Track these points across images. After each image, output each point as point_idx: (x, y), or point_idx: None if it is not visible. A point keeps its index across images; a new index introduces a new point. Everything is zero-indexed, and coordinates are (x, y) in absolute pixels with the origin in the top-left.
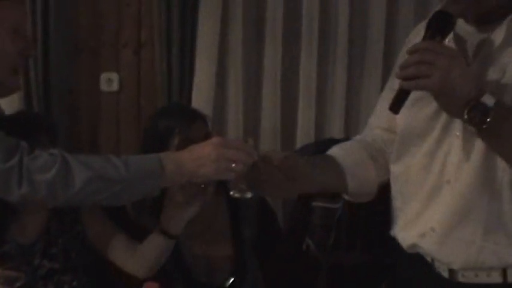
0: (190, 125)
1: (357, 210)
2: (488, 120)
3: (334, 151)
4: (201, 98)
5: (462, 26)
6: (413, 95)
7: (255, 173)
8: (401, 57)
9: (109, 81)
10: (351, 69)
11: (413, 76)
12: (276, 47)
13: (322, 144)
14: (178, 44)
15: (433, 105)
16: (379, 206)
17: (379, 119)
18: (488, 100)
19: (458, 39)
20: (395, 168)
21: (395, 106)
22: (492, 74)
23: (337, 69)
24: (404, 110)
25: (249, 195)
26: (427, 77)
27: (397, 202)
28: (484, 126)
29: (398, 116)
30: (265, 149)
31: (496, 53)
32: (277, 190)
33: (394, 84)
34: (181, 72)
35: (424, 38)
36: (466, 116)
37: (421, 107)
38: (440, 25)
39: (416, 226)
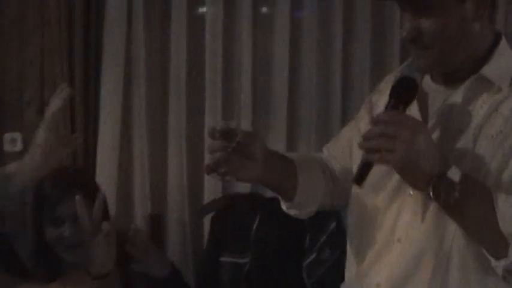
0: (61, 202)
1: (264, 265)
2: (454, 196)
3: (291, 154)
4: (105, 157)
5: (427, 82)
6: None
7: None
8: (364, 113)
9: (12, 141)
10: (255, 125)
11: (376, 149)
12: (180, 103)
13: (230, 199)
14: (81, 102)
15: None
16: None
17: (336, 153)
18: (454, 174)
19: (422, 94)
20: (350, 219)
21: (360, 178)
22: (450, 137)
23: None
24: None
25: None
26: (390, 152)
27: (350, 251)
28: (449, 203)
29: (354, 167)
30: (173, 206)
31: (454, 114)
32: (241, 170)
33: (359, 114)
34: (85, 131)
35: (387, 107)
36: (431, 193)
37: None
38: (403, 93)
39: (364, 279)
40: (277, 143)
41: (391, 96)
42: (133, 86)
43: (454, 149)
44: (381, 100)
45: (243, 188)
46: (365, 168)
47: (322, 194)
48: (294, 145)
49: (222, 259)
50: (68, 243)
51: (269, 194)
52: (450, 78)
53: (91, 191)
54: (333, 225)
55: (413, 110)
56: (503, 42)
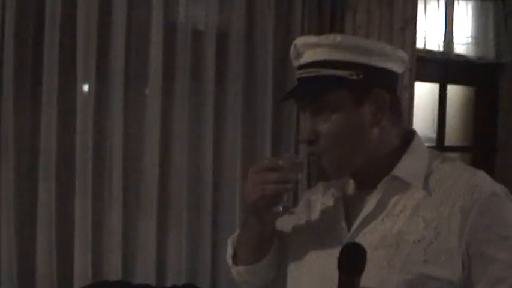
0: None
1: None
2: None
3: None
4: None
5: (351, 187)
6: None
7: None
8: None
9: None
10: (125, 208)
11: None
12: (49, 184)
13: (98, 286)
14: None
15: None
16: None
17: None
18: None
19: (346, 198)
20: None
21: None
22: (372, 244)
23: (113, 209)
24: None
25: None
26: None
27: None
28: None
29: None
30: None
31: (368, 218)
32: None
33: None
34: None
35: (341, 284)
36: None
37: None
38: (353, 264)
39: None
40: (148, 222)
41: (341, 270)
42: (1, 167)
43: (378, 256)
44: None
45: (113, 275)
46: None
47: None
48: (165, 222)
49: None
50: None
51: (138, 281)
52: (364, 182)
53: None
54: None
55: (340, 218)
56: (417, 141)
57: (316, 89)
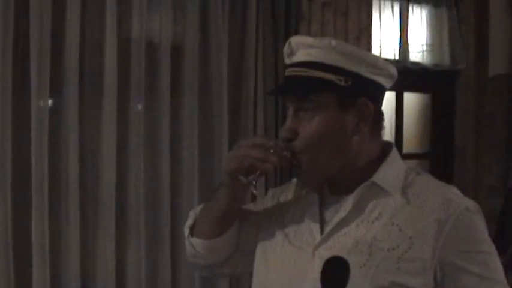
0: None
1: None
2: None
3: None
4: None
5: (326, 191)
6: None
7: None
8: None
9: None
10: (83, 222)
11: None
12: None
13: None
14: None
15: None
16: None
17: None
18: None
19: (321, 201)
20: None
21: None
22: (346, 249)
23: (70, 224)
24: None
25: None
26: None
27: None
28: None
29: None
30: None
31: (343, 223)
32: None
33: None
34: None
35: None
36: None
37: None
38: (335, 278)
39: None
40: (106, 235)
41: (324, 285)
42: None
43: (350, 261)
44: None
45: (72, 283)
46: None
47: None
48: (123, 236)
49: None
50: None
51: None
52: (340, 188)
53: None
54: None
55: (313, 220)
56: (394, 153)
57: (304, 88)
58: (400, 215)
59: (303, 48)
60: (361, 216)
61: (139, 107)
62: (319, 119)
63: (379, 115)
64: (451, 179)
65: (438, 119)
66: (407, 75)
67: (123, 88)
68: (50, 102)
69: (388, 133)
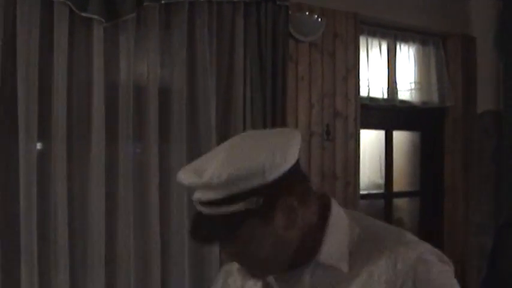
0: None
1: None
2: None
3: None
4: None
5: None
6: None
7: None
8: (218, 278)
9: None
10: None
11: None
12: None
13: None
14: None
15: None
16: None
17: None
18: None
19: (272, 282)
20: None
21: None
22: None
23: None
24: None
25: None
26: None
27: None
28: None
29: None
30: None
31: None
32: None
33: None
34: None
35: None
36: None
37: None
38: None
39: None
40: (95, 283)
41: None
42: None
43: None
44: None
45: None
46: None
47: None
48: (112, 284)
49: None
50: None
51: None
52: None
53: None
54: None
55: None
56: (334, 213)
57: (225, 232)
58: (353, 286)
59: (198, 188)
60: None
61: (128, 150)
62: (254, 244)
63: (304, 190)
64: (441, 216)
65: (427, 156)
66: (396, 113)
67: (111, 132)
68: (38, 145)
69: (377, 171)
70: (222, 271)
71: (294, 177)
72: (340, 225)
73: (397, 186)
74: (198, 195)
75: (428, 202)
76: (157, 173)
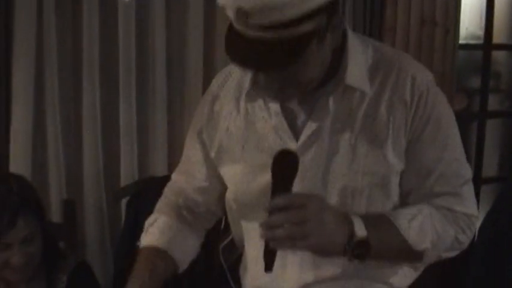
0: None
1: None
2: (368, 252)
3: (158, 241)
4: (19, 143)
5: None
6: (251, 162)
7: None
8: (203, 104)
9: None
10: (170, 107)
11: (285, 238)
12: (94, 88)
13: (145, 183)
14: None
15: (267, 176)
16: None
17: (191, 179)
18: (359, 227)
19: (286, 106)
20: (236, 229)
21: (270, 266)
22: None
23: (157, 109)
24: (236, 177)
25: None
26: (303, 238)
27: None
28: (365, 257)
29: (229, 181)
30: (89, 191)
31: (319, 127)
32: None
33: (196, 127)
34: None
35: (276, 191)
36: (348, 258)
37: (254, 176)
38: (287, 170)
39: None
40: None
41: (275, 176)
42: (45, 74)
43: (336, 163)
44: (224, 109)
45: (159, 171)
46: (271, 256)
47: (196, 245)
48: None
49: (139, 243)
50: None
51: None
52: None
53: (35, 205)
54: None
55: (283, 131)
56: (351, 37)
57: (288, 56)
58: (373, 106)
59: (262, 9)
60: (337, 117)
61: None
62: (311, 66)
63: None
64: None
65: None
66: None
67: None
68: None
69: (477, 22)
70: (207, 96)
71: None
72: (356, 45)
73: (497, 38)
74: (257, 19)
75: None
76: None
